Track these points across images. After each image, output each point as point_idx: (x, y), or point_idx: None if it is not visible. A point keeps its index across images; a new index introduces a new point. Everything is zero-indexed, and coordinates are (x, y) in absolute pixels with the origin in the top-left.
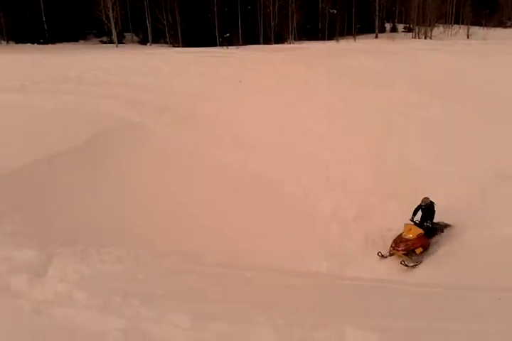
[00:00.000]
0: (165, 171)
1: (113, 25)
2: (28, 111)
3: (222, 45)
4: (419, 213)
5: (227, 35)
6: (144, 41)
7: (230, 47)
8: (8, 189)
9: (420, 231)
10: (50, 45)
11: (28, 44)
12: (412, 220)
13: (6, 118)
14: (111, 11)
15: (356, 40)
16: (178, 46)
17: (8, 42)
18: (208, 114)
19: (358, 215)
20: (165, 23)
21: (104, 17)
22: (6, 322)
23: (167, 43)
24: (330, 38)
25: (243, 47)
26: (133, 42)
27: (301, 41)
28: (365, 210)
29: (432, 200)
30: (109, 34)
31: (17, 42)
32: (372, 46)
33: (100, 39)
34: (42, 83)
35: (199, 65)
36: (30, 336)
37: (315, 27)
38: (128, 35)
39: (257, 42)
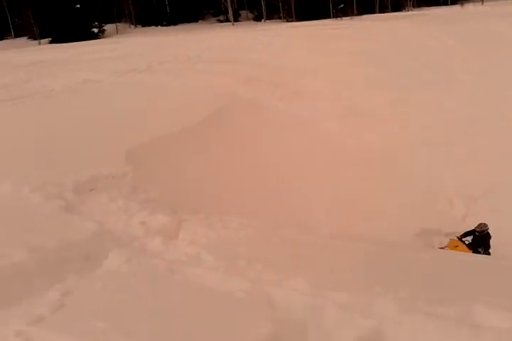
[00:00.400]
0: (281, 144)
1: (229, 4)
2: (156, 89)
3: (336, 16)
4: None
5: (341, 6)
6: (258, 18)
7: (344, 18)
8: (143, 158)
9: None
10: (171, 27)
11: (152, 26)
12: (460, 239)
13: (141, 94)
14: None
15: (484, 3)
16: (292, 21)
17: (135, 26)
18: (321, 88)
19: (486, 194)
20: None
21: None
22: (146, 278)
23: (281, 18)
24: (453, 2)
25: (358, 17)
26: (248, 19)
27: (420, 8)
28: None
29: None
30: (225, 13)
31: (143, 26)
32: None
33: (217, 18)
34: (166, 63)
35: (312, 38)
36: (166, 290)
37: None
38: (243, 13)
39: (373, 12)
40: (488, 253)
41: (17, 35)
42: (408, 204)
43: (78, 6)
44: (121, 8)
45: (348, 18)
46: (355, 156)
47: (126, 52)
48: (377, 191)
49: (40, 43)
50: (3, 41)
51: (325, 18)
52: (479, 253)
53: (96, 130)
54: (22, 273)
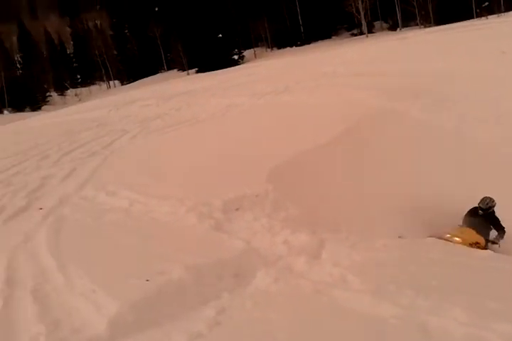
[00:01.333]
0: (425, 159)
1: (362, 16)
2: (295, 107)
3: (480, 16)
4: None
5: (486, 4)
6: (393, 27)
7: (489, 16)
8: (283, 176)
9: (480, 240)
10: (305, 46)
11: (288, 48)
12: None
13: (280, 114)
14: (360, 2)
15: None
16: (430, 26)
17: (272, 49)
18: (464, 94)
19: None
20: (415, 3)
21: (354, 9)
22: (294, 298)
23: (418, 25)
24: None
25: (506, 14)
26: (382, 29)
27: None
28: None
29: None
30: (359, 26)
31: (279, 48)
32: None
33: (351, 32)
34: (302, 82)
35: (449, 41)
36: (314, 312)
37: None
38: (377, 24)
39: None
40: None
41: (169, 68)
42: None
43: (220, 35)
44: (258, 33)
45: (495, 16)
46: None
47: (264, 75)
48: None
49: (188, 74)
50: (158, 75)
51: (467, 19)
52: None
53: (238, 151)
54: (180, 290)
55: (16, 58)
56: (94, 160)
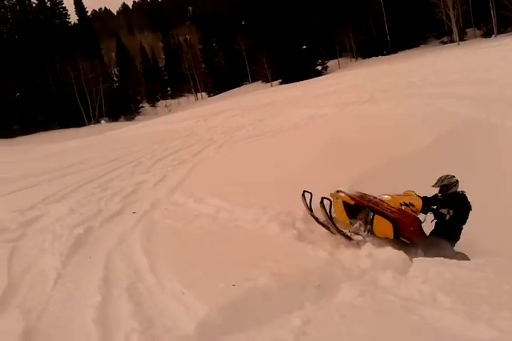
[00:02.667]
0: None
1: (454, 24)
2: (379, 117)
3: None
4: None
5: None
6: (488, 34)
7: None
8: (365, 186)
9: (416, 202)
10: (392, 55)
11: (373, 57)
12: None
13: (364, 124)
14: (451, 9)
15: None
16: None
17: (356, 59)
18: None
19: None
20: None
21: (444, 17)
22: (382, 314)
23: None
24: None
25: None
26: (475, 37)
27: None
28: None
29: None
30: (449, 33)
31: (364, 58)
32: None
33: (440, 40)
34: (388, 91)
35: None
36: (403, 330)
37: None
38: (469, 31)
39: None
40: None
41: (253, 80)
42: None
43: (304, 47)
44: (342, 43)
45: None
46: None
47: (348, 85)
48: None
49: (271, 85)
50: (243, 86)
51: None
52: (441, 215)
53: (322, 161)
54: (266, 296)
55: (113, 72)
56: (183, 167)
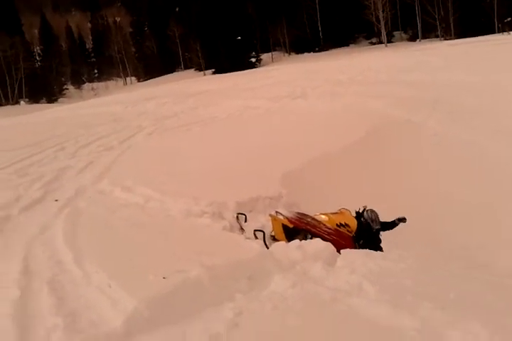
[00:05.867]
0: (441, 168)
1: (383, 26)
2: (311, 113)
3: (502, 31)
4: None
5: (508, 19)
6: (413, 38)
7: (511, 32)
8: (297, 181)
9: (351, 222)
10: (323, 52)
11: (305, 53)
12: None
13: (296, 119)
14: (380, 11)
15: None
16: (450, 38)
17: (289, 54)
18: (484, 106)
19: None
20: (436, 15)
21: (374, 18)
22: (312, 305)
23: (438, 37)
24: None
25: None
26: (402, 40)
27: None
28: None
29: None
30: (378, 35)
31: (297, 53)
32: None
33: (369, 41)
34: (319, 88)
35: (473, 55)
36: (332, 320)
37: None
38: (397, 34)
39: None
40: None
41: (186, 67)
42: None
43: (239, 37)
44: (276, 37)
45: None
46: None
47: (281, 79)
48: None
49: (205, 74)
50: (175, 73)
51: (489, 33)
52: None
53: (254, 154)
54: (197, 289)
55: (35, 50)
56: (110, 154)
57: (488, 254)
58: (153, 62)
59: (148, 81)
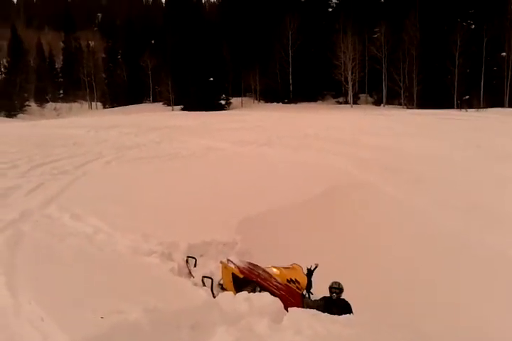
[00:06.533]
0: (394, 233)
1: (350, 87)
2: (274, 162)
3: (460, 107)
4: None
5: (467, 97)
6: (377, 102)
7: (469, 109)
8: (253, 229)
9: (302, 279)
10: (292, 104)
11: (274, 103)
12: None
13: (259, 166)
14: (350, 73)
15: None
16: (412, 108)
17: (259, 101)
18: (440, 178)
19: None
20: (401, 84)
21: (343, 79)
22: None
23: (401, 105)
24: None
25: (484, 110)
26: (367, 102)
27: None
28: None
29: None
30: (345, 95)
31: (266, 101)
32: None
33: (336, 99)
34: (285, 138)
35: (433, 127)
36: None
37: None
38: (362, 96)
39: (501, 105)
40: None
41: (154, 100)
42: None
43: (211, 79)
44: (248, 83)
45: (474, 110)
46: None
47: (249, 125)
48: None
49: (173, 109)
50: (142, 104)
51: (448, 108)
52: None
53: (213, 197)
54: (135, 333)
55: (1, 62)
56: (64, 178)
57: (430, 322)
58: (122, 91)
59: (115, 108)
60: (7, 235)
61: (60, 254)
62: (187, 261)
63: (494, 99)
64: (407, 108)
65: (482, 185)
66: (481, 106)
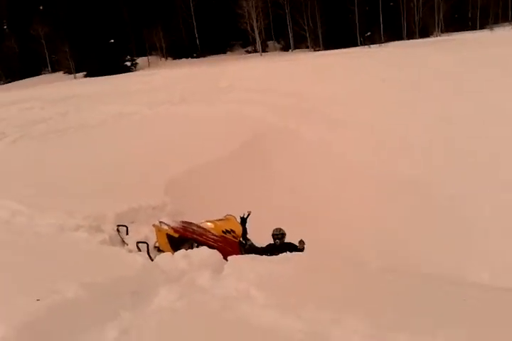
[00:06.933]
0: (314, 173)
1: (257, 35)
2: (191, 119)
3: (363, 44)
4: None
5: (369, 33)
6: (285, 48)
7: (372, 45)
8: (181, 189)
9: (236, 228)
10: (201, 59)
11: (183, 59)
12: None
13: (176, 125)
14: (255, 21)
15: None
16: (319, 49)
17: (166, 59)
18: (350, 118)
19: None
20: (306, 28)
21: (249, 28)
22: (200, 316)
23: (308, 48)
24: (482, 27)
25: (385, 44)
26: (275, 49)
27: (448, 33)
28: None
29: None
30: (253, 43)
31: (174, 58)
32: None
33: (245, 49)
34: (198, 94)
35: (339, 67)
36: (220, 329)
37: (464, 16)
38: (270, 43)
39: (401, 39)
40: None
41: (54, 70)
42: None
43: (112, 40)
44: (152, 42)
45: (377, 45)
46: (387, 185)
47: (159, 84)
48: (411, 219)
49: (75, 77)
50: (41, 76)
51: (352, 46)
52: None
53: (132, 162)
54: (76, 309)
55: None
56: None
57: (358, 253)
58: (15, 64)
59: (10, 84)
60: None
61: None
62: (118, 230)
63: (393, 34)
64: (315, 50)
65: (389, 119)
66: (382, 41)
